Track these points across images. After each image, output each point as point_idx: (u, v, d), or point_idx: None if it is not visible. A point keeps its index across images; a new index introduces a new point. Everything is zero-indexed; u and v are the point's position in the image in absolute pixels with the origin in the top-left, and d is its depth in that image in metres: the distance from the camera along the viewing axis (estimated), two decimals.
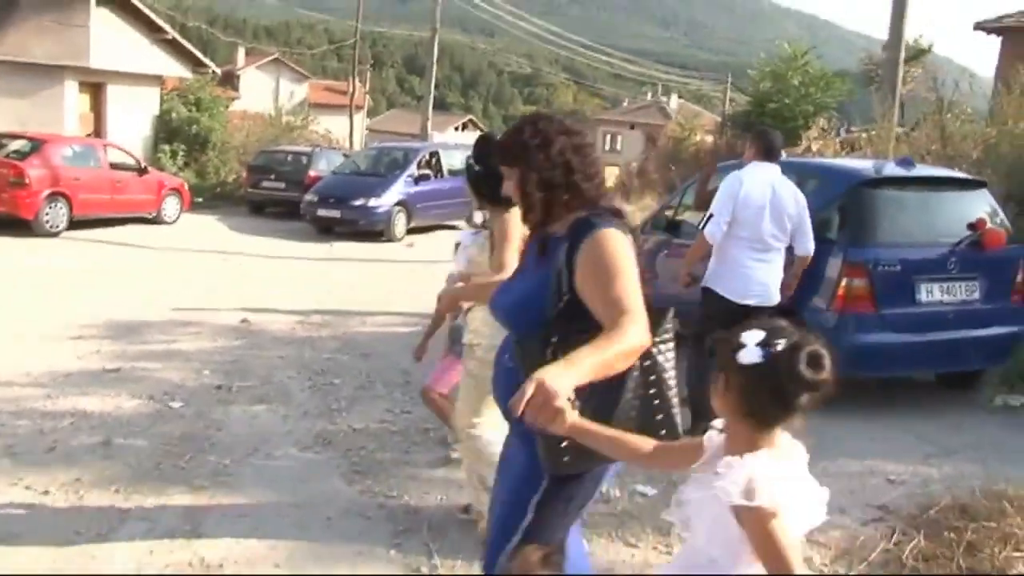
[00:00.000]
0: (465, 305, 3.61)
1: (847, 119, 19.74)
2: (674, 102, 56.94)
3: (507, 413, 2.27)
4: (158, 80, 22.25)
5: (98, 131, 20.38)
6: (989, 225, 5.96)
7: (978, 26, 18.91)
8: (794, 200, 5.26)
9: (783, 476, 1.72)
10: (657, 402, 2.26)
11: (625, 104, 66.31)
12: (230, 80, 38.88)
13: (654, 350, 2.25)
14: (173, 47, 22.00)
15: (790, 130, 17.63)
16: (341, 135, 31.94)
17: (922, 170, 6.69)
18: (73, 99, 19.94)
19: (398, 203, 15.72)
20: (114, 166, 15.13)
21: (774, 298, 5.22)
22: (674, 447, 2.06)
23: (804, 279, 5.64)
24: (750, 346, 1.72)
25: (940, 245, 5.87)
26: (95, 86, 20.57)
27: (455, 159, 16.68)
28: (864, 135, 15.47)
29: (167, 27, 21.97)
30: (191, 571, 3.47)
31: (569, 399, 1.88)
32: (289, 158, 19.08)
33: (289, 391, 5.97)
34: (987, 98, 13.40)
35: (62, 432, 4.92)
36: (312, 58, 71.89)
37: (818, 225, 5.49)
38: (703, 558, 1.85)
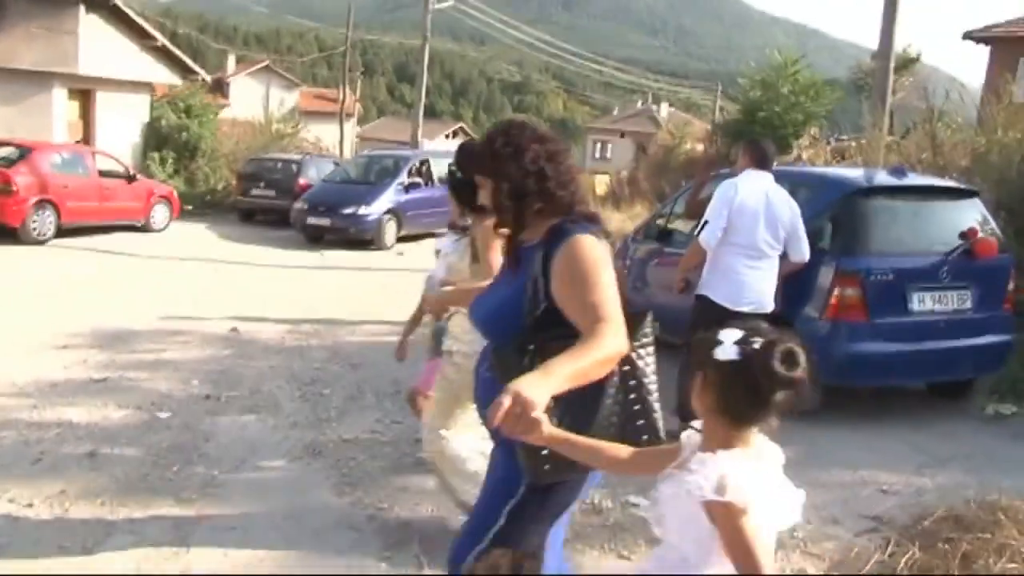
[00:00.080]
0: (451, 309, 3.60)
1: (837, 128, 19.79)
2: (664, 110, 57.15)
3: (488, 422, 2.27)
4: (148, 87, 22.16)
5: (87, 138, 20.27)
6: (981, 234, 5.97)
7: (967, 36, 19.09)
8: (788, 208, 5.32)
9: (756, 474, 1.73)
10: (638, 407, 2.26)
11: (615, 112, 66.51)
12: (220, 87, 38.83)
13: (634, 355, 2.26)
14: (163, 54, 21.92)
15: (780, 138, 17.72)
16: (331, 143, 31.92)
17: (914, 179, 6.70)
18: (62, 106, 19.84)
19: (388, 211, 15.68)
20: (103, 173, 15.04)
21: (768, 305, 5.23)
22: (652, 452, 2.07)
23: (796, 288, 5.66)
24: (727, 344, 1.75)
25: (932, 254, 5.87)
26: (84, 93, 20.48)
27: (445, 167, 16.60)
28: (854, 144, 15.52)
29: (157, 34, 21.88)
30: None
31: (549, 406, 1.88)
32: (279, 166, 19.00)
33: (279, 401, 5.91)
34: (976, 107, 13.45)
35: (48, 443, 4.85)
36: (302, 65, 71.92)
37: (810, 234, 5.51)
38: (675, 555, 1.86)
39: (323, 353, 7.37)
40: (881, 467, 5.03)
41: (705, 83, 77.75)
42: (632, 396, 2.25)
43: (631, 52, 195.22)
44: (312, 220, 15.66)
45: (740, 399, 1.74)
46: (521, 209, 2.29)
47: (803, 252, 5.43)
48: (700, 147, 26.18)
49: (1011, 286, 6.21)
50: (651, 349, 2.33)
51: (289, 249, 14.89)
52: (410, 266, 13.16)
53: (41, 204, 13.47)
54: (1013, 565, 3.44)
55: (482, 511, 2.39)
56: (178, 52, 22.70)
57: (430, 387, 4.30)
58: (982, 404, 6.33)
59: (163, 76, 22.29)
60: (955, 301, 5.90)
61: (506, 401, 1.81)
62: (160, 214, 16.24)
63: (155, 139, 21.75)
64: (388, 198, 15.79)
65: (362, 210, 15.36)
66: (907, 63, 22.38)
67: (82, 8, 19.21)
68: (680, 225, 7.37)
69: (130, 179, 15.62)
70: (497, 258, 3.20)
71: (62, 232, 13.91)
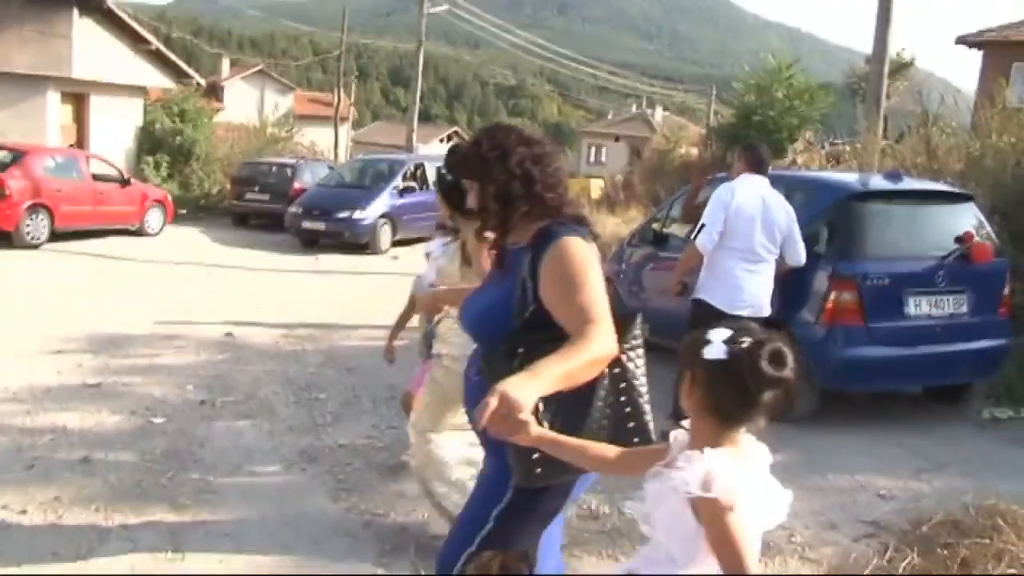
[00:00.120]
0: (443, 310, 3.58)
1: (831, 132, 19.83)
2: (659, 114, 57.15)
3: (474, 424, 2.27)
4: (142, 91, 22.10)
5: (81, 142, 20.20)
6: (976, 238, 5.97)
7: (960, 40, 19.17)
8: (784, 211, 5.34)
9: (743, 473, 1.74)
10: (628, 409, 2.26)
11: (610, 116, 66.49)
12: (214, 91, 38.73)
13: (623, 357, 2.25)
14: (157, 58, 21.87)
15: (775, 143, 17.72)
16: (326, 147, 31.88)
17: (910, 183, 6.70)
18: (55, 110, 19.78)
19: (383, 215, 15.66)
20: (97, 177, 14.98)
21: (764, 309, 5.24)
22: (640, 452, 2.07)
23: (793, 292, 5.66)
24: (715, 343, 1.76)
25: (928, 258, 5.87)
26: (78, 97, 20.41)
27: None
28: (849, 148, 15.55)
29: (151, 38, 21.83)
30: None
31: (538, 408, 1.89)
32: (274, 170, 18.99)
33: (274, 406, 5.89)
34: (969, 111, 13.49)
35: (41, 449, 4.82)
36: (297, 69, 71.93)
37: (807, 238, 5.53)
38: (663, 554, 1.86)
39: (318, 357, 7.35)
40: (878, 472, 5.02)
41: (699, 87, 77.91)
42: (623, 399, 2.25)
43: (625, 56, 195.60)
44: (307, 224, 15.64)
45: (728, 399, 1.75)
46: (507, 212, 2.29)
47: (799, 256, 5.46)
48: (695, 151, 26.17)
49: (1007, 290, 6.22)
50: (641, 351, 2.33)
51: (284, 253, 14.86)
52: (405, 270, 13.11)
53: (35, 208, 13.43)
54: (1012, 571, 3.44)
55: (471, 514, 2.39)
56: (172, 56, 22.65)
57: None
58: (979, 408, 6.33)
59: (157, 80, 22.24)
60: (951, 305, 5.90)
61: (492, 402, 1.80)
62: (154, 218, 16.19)
63: (149, 143, 21.70)
64: (383, 202, 15.77)
65: (357, 214, 15.34)
66: (901, 67, 22.47)
67: (76, 12, 19.16)
68: (676, 229, 7.36)
69: (124, 183, 15.57)
70: (489, 261, 3.20)
71: (56, 236, 13.86)
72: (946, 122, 12.56)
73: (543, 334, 2.12)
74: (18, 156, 13.80)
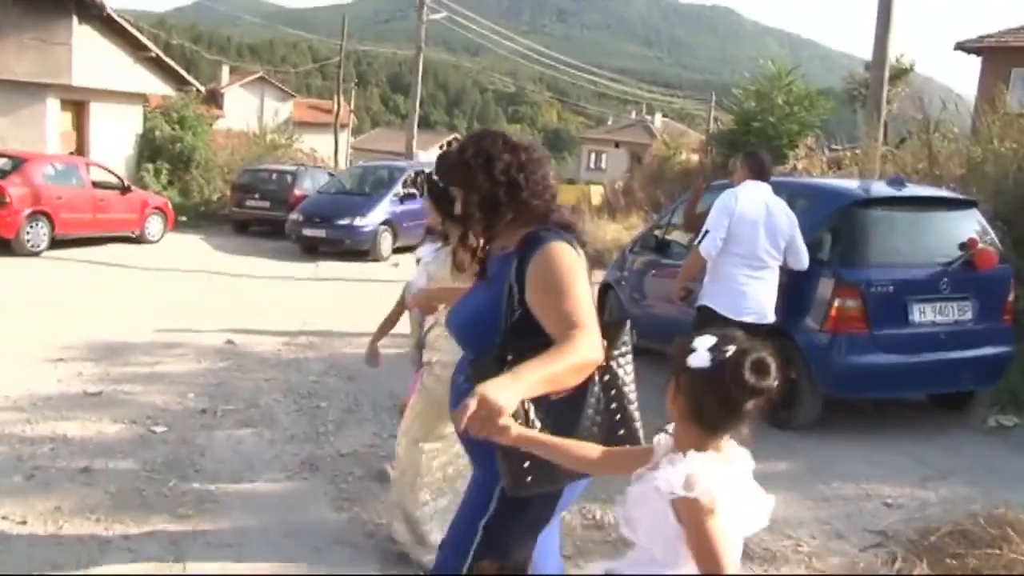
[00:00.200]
0: (438, 309, 3.56)
1: (831, 138, 19.81)
2: (658, 121, 57.16)
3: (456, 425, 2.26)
4: (141, 98, 22.09)
5: (80, 149, 20.19)
6: (980, 245, 5.95)
7: (959, 46, 19.17)
8: (786, 217, 5.35)
9: (725, 477, 1.74)
10: (619, 416, 2.26)
11: (609, 123, 66.60)
12: (214, 98, 38.77)
13: (613, 364, 2.26)
14: (157, 65, 21.86)
15: (775, 149, 17.70)
16: (326, 153, 31.91)
17: (912, 190, 6.68)
18: (55, 117, 19.76)
19: (384, 222, 15.66)
20: (97, 184, 14.97)
21: (769, 316, 5.24)
22: (625, 452, 2.08)
23: (796, 299, 5.64)
24: (700, 351, 1.76)
25: (932, 265, 5.85)
26: (77, 104, 20.40)
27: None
28: (850, 154, 15.52)
29: (151, 45, 21.81)
30: None
31: (528, 413, 1.90)
32: (274, 177, 18.97)
33: (275, 415, 5.86)
34: (970, 116, 13.46)
35: (41, 458, 4.79)
36: (296, 76, 71.91)
37: (810, 245, 5.53)
38: (646, 556, 1.87)
39: (319, 365, 7.32)
40: (884, 480, 4.99)
41: (699, 94, 78.00)
42: (613, 405, 2.25)
43: (625, 63, 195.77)
44: (307, 231, 15.64)
45: (711, 407, 1.75)
46: (492, 219, 2.29)
47: (802, 262, 5.48)
48: (695, 157, 26.22)
49: (1011, 297, 6.19)
50: (630, 358, 2.33)
51: (284, 260, 14.84)
52: (406, 277, 13.06)
53: (35, 216, 13.41)
54: None
55: (460, 526, 2.39)
56: (172, 63, 22.64)
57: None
58: (983, 416, 6.29)
59: (157, 87, 22.22)
60: (955, 312, 5.87)
61: (472, 404, 1.79)
62: (154, 225, 16.17)
63: (149, 150, 21.69)
64: (383, 209, 15.77)
65: (357, 221, 15.33)
66: (900, 73, 22.42)
67: (75, 19, 19.15)
68: (677, 236, 7.35)
69: (124, 190, 15.56)
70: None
71: (56, 244, 13.83)
72: (947, 128, 12.54)
73: (532, 341, 2.11)
74: (18, 163, 13.78)
